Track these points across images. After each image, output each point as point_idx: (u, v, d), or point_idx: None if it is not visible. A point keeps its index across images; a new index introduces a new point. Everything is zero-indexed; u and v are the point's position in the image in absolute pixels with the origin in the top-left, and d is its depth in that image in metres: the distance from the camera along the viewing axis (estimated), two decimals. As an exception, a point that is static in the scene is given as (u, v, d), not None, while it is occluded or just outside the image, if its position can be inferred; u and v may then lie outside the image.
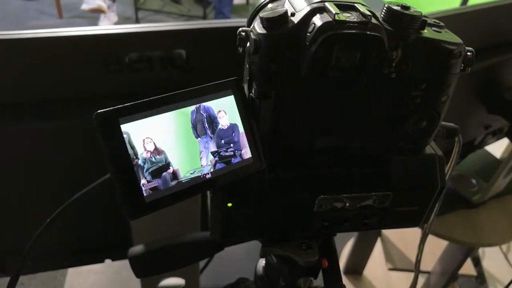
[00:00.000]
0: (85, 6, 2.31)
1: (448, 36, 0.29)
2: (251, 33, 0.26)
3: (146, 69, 0.53)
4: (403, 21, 0.27)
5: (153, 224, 0.56)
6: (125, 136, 0.23)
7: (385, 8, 0.27)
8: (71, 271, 0.93)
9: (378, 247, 1.27)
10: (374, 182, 0.31)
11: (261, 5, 0.35)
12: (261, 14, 0.26)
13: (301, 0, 0.27)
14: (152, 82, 0.54)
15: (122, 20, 2.61)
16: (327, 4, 0.26)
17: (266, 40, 0.26)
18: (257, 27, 0.26)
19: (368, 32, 0.24)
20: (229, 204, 0.29)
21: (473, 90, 0.81)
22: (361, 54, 0.25)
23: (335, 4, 0.26)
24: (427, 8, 3.04)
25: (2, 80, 0.45)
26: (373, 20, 0.25)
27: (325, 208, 0.31)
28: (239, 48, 0.28)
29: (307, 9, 0.26)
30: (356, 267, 1.22)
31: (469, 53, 0.29)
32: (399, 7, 0.27)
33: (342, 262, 1.25)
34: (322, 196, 0.30)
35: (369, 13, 0.25)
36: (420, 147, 0.32)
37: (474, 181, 0.99)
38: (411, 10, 0.27)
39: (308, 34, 0.25)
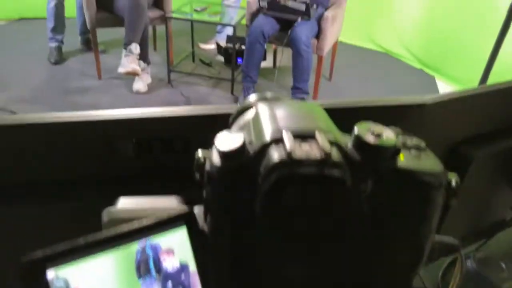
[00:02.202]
0: (121, 69, 2.46)
1: (427, 163, 0.26)
2: (206, 162, 0.25)
3: (147, 153, 0.53)
4: (373, 152, 0.24)
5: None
6: (52, 285, 0.21)
7: (354, 135, 0.25)
8: None
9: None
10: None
11: (240, 111, 0.34)
12: (217, 142, 0.25)
13: (266, 122, 0.26)
14: (152, 166, 0.54)
15: (156, 81, 2.75)
16: (284, 134, 0.24)
17: (220, 173, 0.24)
18: (213, 156, 0.25)
19: (325, 173, 0.22)
20: None
21: (498, 169, 0.76)
22: (318, 195, 0.23)
23: (294, 134, 0.24)
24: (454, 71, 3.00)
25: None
26: (334, 155, 0.23)
27: None
28: (196, 174, 0.26)
29: (265, 139, 0.24)
30: None
31: (453, 182, 0.26)
32: (371, 134, 0.25)
33: None
34: None
35: (328, 147, 0.23)
36: (404, 281, 0.28)
37: (503, 265, 0.89)
38: (383, 139, 0.25)
39: (262, 170, 0.23)
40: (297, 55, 2.36)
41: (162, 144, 0.54)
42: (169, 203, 0.39)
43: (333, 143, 0.24)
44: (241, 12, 2.83)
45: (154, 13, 2.69)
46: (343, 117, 0.55)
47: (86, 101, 2.51)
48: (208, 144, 0.53)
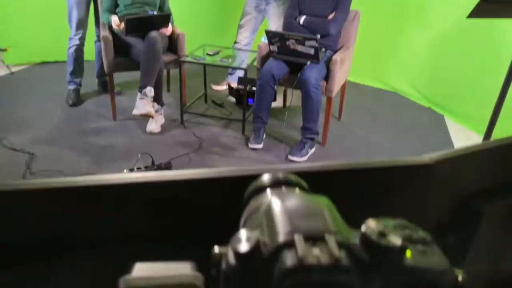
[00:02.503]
0: (135, 111, 2.54)
1: (434, 259, 0.27)
2: (223, 260, 0.27)
3: (152, 214, 0.54)
4: (380, 252, 0.26)
5: None
6: None
7: (361, 234, 0.27)
8: None
9: None
10: None
11: (254, 191, 0.37)
12: (233, 242, 0.26)
13: (278, 221, 0.27)
14: (165, 229, 0.55)
15: (169, 122, 2.82)
16: (296, 237, 0.25)
17: (236, 273, 0.26)
18: (229, 255, 0.26)
19: (334, 279, 0.24)
20: None
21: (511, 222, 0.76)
22: None
23: (305, 236, 0.25)
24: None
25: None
26: (343, 259, 0.24)
27: None
28: (213, 270, 0.28)
29: (277, 242, 0.25)
30: None
31: (459, 278, 0.27)
32: (377, 233, 0.26)
33: None
34: None
35: (337, 251, 0.25)
36: None
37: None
38: (388, 239, 0.26)
39: (275, 273, 0.25)
40: (306, 97, 2.41)
41: (176, 207, 0.56)
42: (183, 270, 0.41)
43: (342, 245, 0.25)
44: (252, 55, 2.93)
45: (169, 57, 2.81)
46: (350, 178, 0.56)
47: (101, 141, 2.58)
48: (222, 207, 0.55)
